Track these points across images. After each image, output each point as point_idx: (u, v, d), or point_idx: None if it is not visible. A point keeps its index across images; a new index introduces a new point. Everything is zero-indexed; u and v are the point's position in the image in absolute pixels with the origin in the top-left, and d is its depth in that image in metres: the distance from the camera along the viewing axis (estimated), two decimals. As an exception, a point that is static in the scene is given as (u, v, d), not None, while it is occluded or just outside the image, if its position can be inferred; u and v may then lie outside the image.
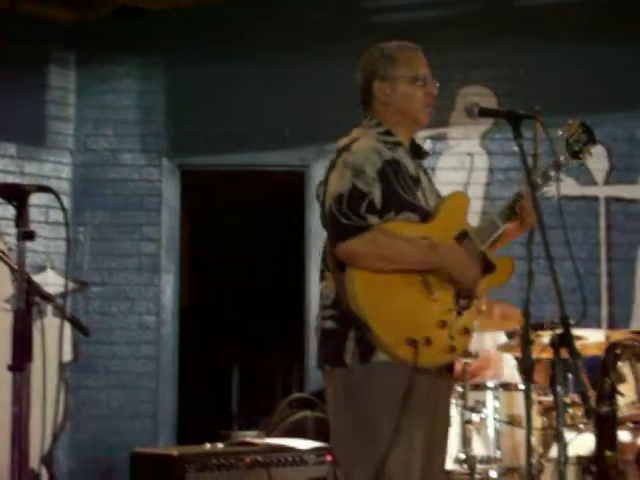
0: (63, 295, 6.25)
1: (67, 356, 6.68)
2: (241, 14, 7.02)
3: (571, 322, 2.79)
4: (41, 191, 2.88)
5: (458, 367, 4.22)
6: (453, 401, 4.37)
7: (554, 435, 4.37)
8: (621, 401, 4.17)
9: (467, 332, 3.16)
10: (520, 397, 4.61)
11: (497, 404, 4.65)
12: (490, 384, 4.71)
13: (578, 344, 3.47)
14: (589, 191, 6.74)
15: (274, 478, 4.72)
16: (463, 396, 4.60)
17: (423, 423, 3.08)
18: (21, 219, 2.81)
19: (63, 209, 2.92)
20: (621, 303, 6.67)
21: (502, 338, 5.51)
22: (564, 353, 2.79)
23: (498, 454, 4.56)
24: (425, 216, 3.17)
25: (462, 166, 6.90)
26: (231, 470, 4.66)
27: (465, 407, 4.59)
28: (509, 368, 5.45)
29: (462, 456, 4.55)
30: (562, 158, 3.33)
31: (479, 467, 4.54)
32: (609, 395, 4.05)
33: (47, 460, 6.54)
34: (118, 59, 7.19)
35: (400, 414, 2.96)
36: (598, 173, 6.74)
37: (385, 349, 3.00)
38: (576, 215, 6.66)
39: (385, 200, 3.09)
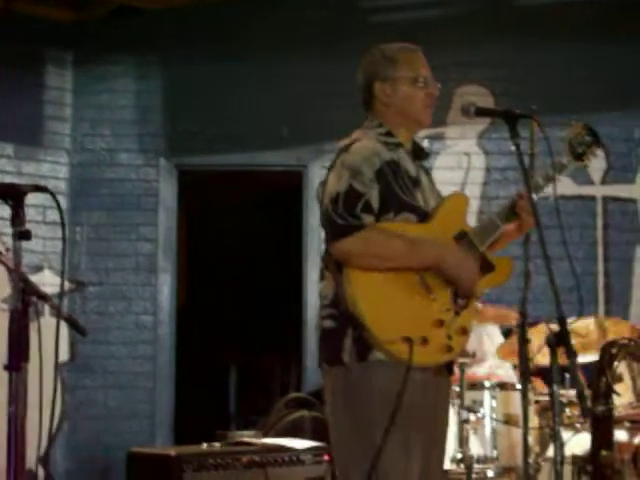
0: (60, 295, 6.25)
1: (64, 356, 6.67)
2: (236, 14, 7.02)
3: (568, 321, 2.79)
4: (37, 191, 2.88)
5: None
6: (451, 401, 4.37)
7: (551, 434, 4.37)
8: (618, 401, 4.18)
9: (465, 332, 3.16)
10: (517, 397, 4.61)
11: (494, 403, 4.65)
12: (487, 384, 4.72)
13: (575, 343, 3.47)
14: (586, 190, 6.74)
15: (271, 478, 4.72)
16: (460, 396, 4.60)
17: (422, 422, 3.08)
18: (17, 219, 2.80)
19: (59, 209, 2.92)
20: (618, 302, 6.67)
21: (499, 338, 5.52)
22: (561, 352, 2.78)
23: (495, 453, 4.57)
24: (424, 217, 3.17)
25: (459, 166, 6.90)
26: (228, 470, 4.66)
27: (462, 407, 4.59)
28: (506, 368, 5.46)
29: (459, 456, 4.55)
30: (565, 160, 3.33)
31: (476, 467, 4.55)
32: (605, 395, 4.05)
33: (44, 460, 6.54)
34: (114, 59, 7.19)
35: (394, 413, 2.96)
36: (595, 172, 6.74)
37: (381, 347, 3.00)
38: (573, 214, 6.66)
39: (383, 201, 3.09)
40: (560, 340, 2.68)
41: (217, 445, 4.87)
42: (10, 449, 2.79)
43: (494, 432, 4.59)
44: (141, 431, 6.83)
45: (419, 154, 3.33)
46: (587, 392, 4.02)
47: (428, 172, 3.37)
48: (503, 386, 4.71)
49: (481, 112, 3.29)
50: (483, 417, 4.62)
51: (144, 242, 7.03)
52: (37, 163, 6.94)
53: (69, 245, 6.94)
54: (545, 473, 4.38)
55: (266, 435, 5.42)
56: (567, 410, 4.49)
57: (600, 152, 3.40)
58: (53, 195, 2.88)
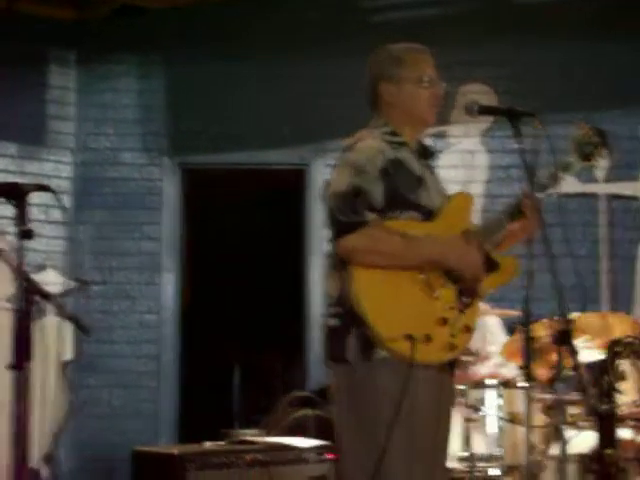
0: (63, 294, 6.25)
1: (68, 355, 6.67)
2: (239, 13, 7.02)
3: (571, 319, 2.78)
4: (40, 190, 2.89)
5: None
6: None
7: (555, 433, 4.37)
8: (622, 399, 4.17)
9: (469, 330, 3.16)
10: (521, 395, 4.61)
11: (498, 402, 4.65)
12: (491, 382, 4.72)
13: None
14: (589, 188, 6.73)
15: (274, 476, 4.72)
16: (464, 394, 4.60)
17: (425, 421, 3.08)
18: (20, 218, 2.81)
19: (62, 208, 2.92)
20: (621, 300, 6.66)
21: (503, 337, 5.52)
22: (565, 350, 2.78)
23: (499, 452, 4.56)
24: (428, 215, 3.18)
25: (462, 164, 6.90)
26: (231, 469, 4.66)
27: (466, 405, 4.59)
28: (510, 366, 5.45)
29: (463, 454, 4.55)
30: (571, 159, 3.32)
31: (480, 465, 4.54)
32: (609, 393, 4.05)
33: (48, 459, 6.55)
34: (117, 58, 7.19)
35: (396, 411, 2.97)
36: (599, 170, 6.73)
37: (385, 346, 3.01)
38: (576, 212, 6.65)
39: (387, 199, 3.11)
40: (564, 339, 2.68)
41: (220, 444, 4.87)
42: (14, 448, 2.79)
43: (498, 431, 4.59)
44: (145, 430, 6.83)
45: (425, 153, 3.34)
46: (591, 390, 4.02)
47: (433, 171, 3.37)
48: (507, 384, 4.70)
49: (484, 110, 3.31)
50: (487, 415, 4.61)
51: (147, 241, 7.03)
52: (40, 162, 6.94)
53: (73, 244, 6.94)
54: (549, 471, 4.38)
55: (269, 434, 5.42)
56: (571, 408, 4.49)
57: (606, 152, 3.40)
58: (55, 194, 2.88)
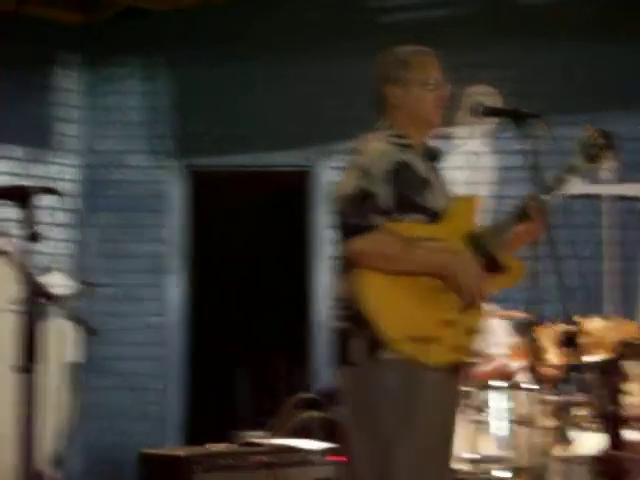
0: (69, 296, 6.26)
1: (74, 357, 6.67)
2: (241, 14, 7.03)
3: (576, 320, 2.79)
4: (45, 192, 2.89)
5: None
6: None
7: (562, 434, 4.37)
8: (629, 400, 4.17)
9: (475, 332, 3.17)
10: (527, 397, 4.61)
11: (504, 404, 4.65)
12: (496, 383, 4.71)
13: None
14: (593, 189, 6.73)
15: (280, 479, 4.72)
16: (470, 395, 4.60)
17: (433, 422, 3.09)
18: (27, 221, 2.82)
19: (68, 210, 2.93)
20: (625, 301, 6.65)
21: (508, 337, 5.51)
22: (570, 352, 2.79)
23: (505, 454, 4.56)
24: (434, 218, 3.19)
25: (467, 165, 6.90)
26: (238, 471, 4.67)
27: (472, 407, 4.59)
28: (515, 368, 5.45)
29: (469, 456, 4.55)
30: (577, 162, 3.33)
31: (485, 467, 4.54)
32: (615, 394, 4.05)
33: (55, 461, 6.55)
34: (122, 60, 7.20)
35: (404, 412, 2.98)
36: (602, 171, 6.72)
37: (391, 347, 3.02)
38: (580, 213, 6.64)
39: (393, 201, 3.11)
40: (570, 341, 2.69)
41: (226, 446, 4.87)
42: (20, 450, 2.80)
43: (504, 432, 4.59)
44: (151, 432, 6.84)
45: (431, 155, 3.35)
46: (598, 392, 4.02)
47: (439, 173, 3.38)
48: (513, 386, 4.70)
49: (489, 112, 3.31)
50: (493, 417, 4.61)
51: (153, 243, 7.04)
52: (46, 165, 6.95)
53: (78, 247, 6.95)
54: (556, 473, 4.38)
55: (275, 436, 5.42)
56: (578, 410, 4.48)
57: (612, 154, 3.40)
58: (61, 196, 2.89)
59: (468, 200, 3.35)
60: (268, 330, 8.72)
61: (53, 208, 6.58)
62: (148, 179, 7.10)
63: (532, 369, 3.76)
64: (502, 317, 5.51)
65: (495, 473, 4.55)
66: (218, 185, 7.88)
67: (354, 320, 3.08)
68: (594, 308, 6.12)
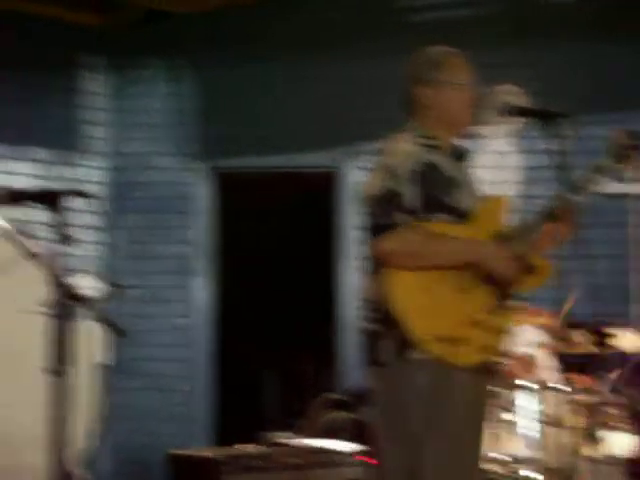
0: (98, 298, 6.29)
1: (103, 359, 6.70)
2: (263, 15, 7.03)
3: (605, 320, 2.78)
4: (75, 195, 2.91)
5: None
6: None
7: (592, 435, 4.35)
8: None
9: (502, 332, 3.17)
10: (556, 397, 4.59)
11: (532, 404, 4.63)
12: (525, 384, 4.69)
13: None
14: (618, 188, 6.68)
15: (309, 479, 4.72)
16: (497, 395, 4.58)
17: (462, 422, 3.09)
18: (57, 224, 2.84)
19: (95, 213, 2.95)
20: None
21: (537, 337, 5.49)
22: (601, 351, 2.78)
23: (533, 454, 4.54)
24: (462, 217, 3.19)
25: (494, 165, 6.87)
26: (266, 472, 4.67)
27: (499, 407, 4.57)
28: (545, 368, 5.42)
29: (498, 456, 4.54)
30: (606, 162, 3.32)
31: (513, 467, 4.53)
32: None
33: (84, 461, 6.58)
34: (146, 62, 7.23)
35: (433, 413, 2.98)
36: (629, 170, 6.67)
37: (420, 347, 3.02)
38: (606, 212, 6.60)
39: (420, 201, 3.12)
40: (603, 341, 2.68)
41: (255, 447, 4.88)
42: (51, 451, 2.82)
43: (533, 432, 4.57)
44: (179, 433, 6.85)
45: (459, 155, 3.35)
46: (628, 392, 4.00)
47: (468, 173, 3.37)
48: (542, 386, 4.68)
49: (517, 112, 3.31)
50: (521, 417, 4.59)
51: (180, 245, 7.06)
52: (72, 168, 6.99)
53: (106, 248, 6.99)
54: (586, 474, 4.36)
55: (303, 437, 5.43)
56: (610, 410, 4.46)
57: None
58: (89, 199, 2.91)
59: (497, 200, 3.35)
60: (295, 331, 8.72)
61: (81, 210, 6.62)
62: (174, 181, 7.13)
63: (564, 370, 3.74)
64: (531, 316, 5.49)
65: (524, 473, 4.54)
66: (244, 186, 7.89)
67: (383, 321, 3.09)
68: (620, 308, 6.09)
